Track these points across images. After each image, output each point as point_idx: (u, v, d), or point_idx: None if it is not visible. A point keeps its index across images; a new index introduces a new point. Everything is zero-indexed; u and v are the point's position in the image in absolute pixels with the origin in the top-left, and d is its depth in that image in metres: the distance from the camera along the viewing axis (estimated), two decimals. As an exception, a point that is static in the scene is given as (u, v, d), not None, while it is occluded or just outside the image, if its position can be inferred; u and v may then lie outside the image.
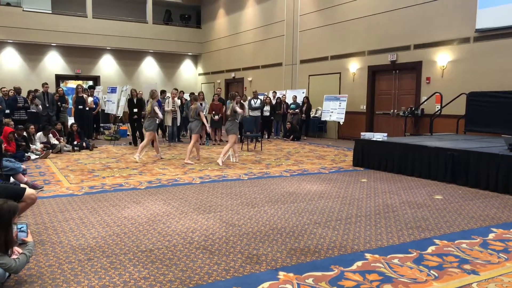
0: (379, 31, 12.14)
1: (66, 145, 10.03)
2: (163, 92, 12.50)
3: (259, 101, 12.75)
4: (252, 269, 3.09)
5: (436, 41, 10.69)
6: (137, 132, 11.16)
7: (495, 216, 4.64)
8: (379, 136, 8.13)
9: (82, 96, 11.92)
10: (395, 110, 11.98)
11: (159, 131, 11.79)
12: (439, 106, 10.23)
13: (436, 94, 10.32)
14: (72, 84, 20.04)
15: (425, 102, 10.64)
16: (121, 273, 2.98)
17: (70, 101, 13.22)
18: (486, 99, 9.15)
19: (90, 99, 12.48)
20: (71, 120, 12.23)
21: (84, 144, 10.23)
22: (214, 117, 11.58)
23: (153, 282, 2.84)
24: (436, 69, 10.74)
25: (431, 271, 3.08)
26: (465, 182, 6.26)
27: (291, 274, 2.99)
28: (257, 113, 12.59)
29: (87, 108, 12.05)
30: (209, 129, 9.92)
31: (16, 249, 2.94)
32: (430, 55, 10.87)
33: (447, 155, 6.54)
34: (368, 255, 3.38)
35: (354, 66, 13.05)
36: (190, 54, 21.99)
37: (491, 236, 3.93)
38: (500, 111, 8.78)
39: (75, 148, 9.96)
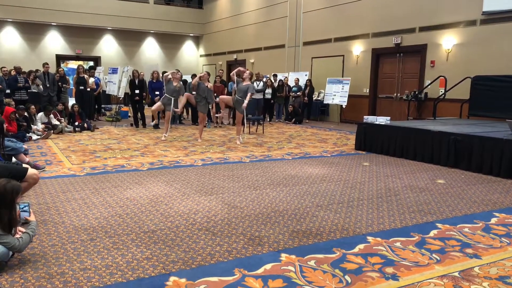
0: (384, 13, 11.94)
1: (68, 125, 10.01)
2: (164, 73, 12.37)
3: (261, 83, 12.64)
4: (255, 250, 3.10)
5: (442, 24, 10.52)
6: (139, 114, 11.11)
7: (497, 200, 4.63)
8: (382, 120, 8.08)
9: (83, 76, 11.82)
10: (399, 94, 11.88)
11: (160, 113, 11.75)
12: (443, 90, 10.13)
13: (441, 77, 10.21)
14: (73, 64, 19.89)
15: (429, 86, 10.55)
16: (124, 254, 2.99)
17: (71, 81, 13.13)
18: (492, 83, 9.05)
19: (91, 80, 12.38)
20: (72, 101, 12.17)
21: (85, 125, 10.20)
22: (216, 99, 11.49)
23: (156, 263, 2.85)
24: (441, 53, 10.60)
25: (433, 255, 3.08)
26: (467, 167, 6.25)
27: (293, 256, 3.00)
28: (259, 96, 12.50)
29: (88, 89, 11.97)
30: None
31: (19, 228, 2.95)
32: (435, 38, 10.71)
33: (450, 139, 6.50)
34: (370, 238, 3.39)
35: (357, 48, 12.89)
36: (192, 35, 21.74)
37: (493, 220, 3.93)
38: (505, 95, 8.68)
39: (76, 129, 9.93)
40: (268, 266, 2.83)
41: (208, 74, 9.30)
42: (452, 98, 9.95)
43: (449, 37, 10.39)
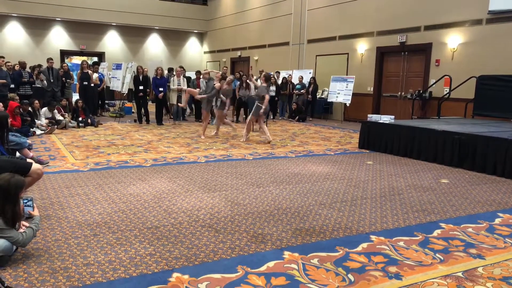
0: (389, 11, 11.88)
1: (71, 121, 10.03)
2: (170, 70, 12.38)
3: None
4: (257, 248, 3.10)
5: (447, 23, 10.45)
6: (142, 109, 11.12)
7: (501, 201, 4.61)
8: (386, 119, 8.05)
9: (87, 72, 11.83)
10: (403, 93, 11.83)
11: (164, 109, 11.75)
12: (447, 89, 10.08)
13: (445, 77, 10.15)
14: (77, 60, 19.91)
15: (434, 85, 10.50)
16: (127, 249, 2.99)
17: (75, 77, 13.15)
18: (497, 83, 8.99)
19: (95, 75, 12.40)
20: (75, 96, 12.20)
21: (89, 120, 10.22)
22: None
23: (159, 259, 2.85)
24: (446, 51, 10.54)
25: (437, 255, 3.07)
26: (471, 167, 6.21)
27: (296, 254, 2.99)
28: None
29: (92, 85, 11.99)
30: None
31: (23, 223, 2.96)
32: (440, 37, 10.65)
33: (454, 139, 6.47)
34: (373, 237, 3.38)
35: (362, 46, 12.83)
36: (196, 31, 21.72)
37: (497, 221, 3.92)
38: (511, 95, 8.63)
39: (80, 124, 9.95)
40: (271, 264, 2.83)
41: (224, 76, 9.25)
42: (456, 97, 9.89)
43: (454, 36, 10.33)
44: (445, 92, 10.16)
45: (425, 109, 10.99)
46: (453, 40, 10.34)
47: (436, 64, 10.78)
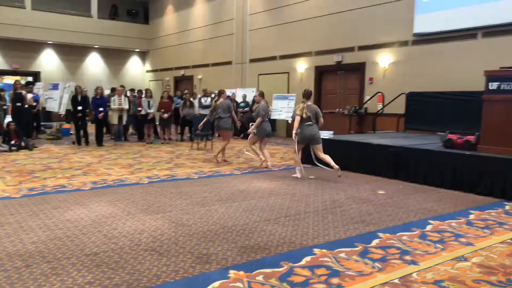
0: (326, 32, 12.50)
1: (2, 144, 9.38)
2: (113, 89, 12.03)
3: (209, 99, 12.66)
4: (202, 269, 3.07)
5: (378, 43, 11.20)
6: (81, 131, 10.66)
7: (431, 209, 4.95)
8: (325, 134, 8.36)
9: (21, 92, 11.13)
10: (341, 109, 12.39)
11: (104, 129, 11.35)
12: (381, 105, 10.73)
13: (379, 94, 10.82)
14: (9, 79, 18.69)
15: (369, 101, 11.12)
16: (63, 279, 2.83)
17: (7, 98, 12.34)
18: (423, 99, 9.73)
19: (29, 96, 11.70)
20: (9, 119, 11.42)
21: (22, 143, 9.60)
22: (163, 115, 11.36)
23: (98, 287, 2.73)
24: (378, 70, 11.25)
25: (375, 264, 3.22)
26: (405, 177, 6.61)
27: (241, 272, 3.00)
28: (207, 112, 12.47)
29: (26, 106, 11.30)
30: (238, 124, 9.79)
31: None
32: (372, 56, 11.36)
33: (389, 151, 6.87)
34: (316, 250, 3.47)
35: (301, 66, 13.34)
36: (138, 50, 21.38)
37: (428, 228, 4.19)
38: (436, 110, 9.36)
39: (13, 148, 9.32)
40: (216, 284, 2.81)
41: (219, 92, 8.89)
42: (389, 112, 10.55)
43: (385, 56, 11.07)
44: (379, 108, 10.80)
45: (361, 124, 11.58)
46: (384, 59, 11.07)
47: (370, 82, 11.46)
